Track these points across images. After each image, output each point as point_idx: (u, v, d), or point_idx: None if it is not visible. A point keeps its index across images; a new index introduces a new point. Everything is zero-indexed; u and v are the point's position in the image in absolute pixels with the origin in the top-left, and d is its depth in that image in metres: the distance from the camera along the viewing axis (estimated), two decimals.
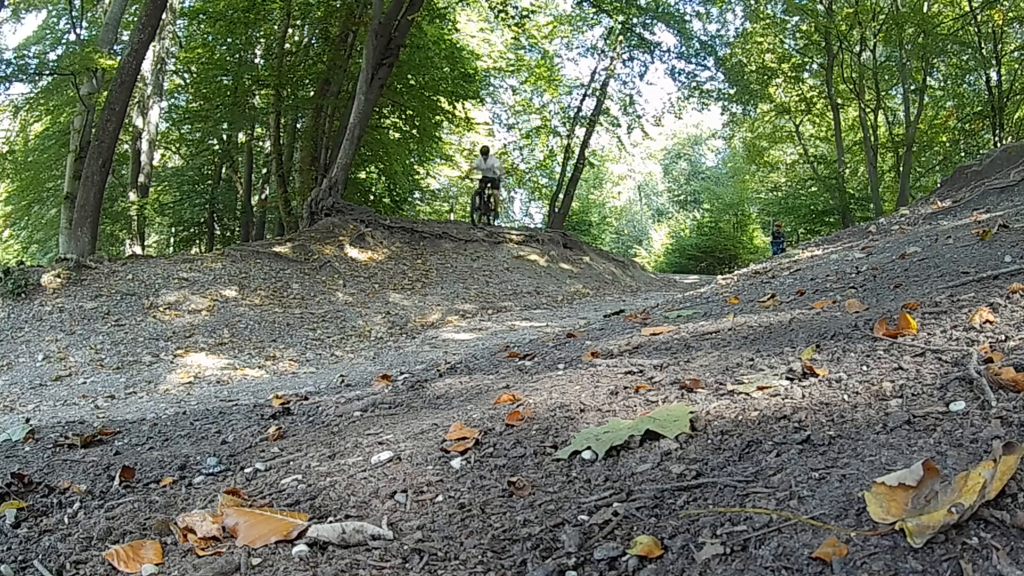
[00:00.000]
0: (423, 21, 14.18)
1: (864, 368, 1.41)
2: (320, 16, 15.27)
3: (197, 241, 20.47)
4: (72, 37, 13.86)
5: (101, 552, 1.05)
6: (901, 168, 19.51)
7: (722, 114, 24.84)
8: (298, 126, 16.93)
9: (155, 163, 18.05)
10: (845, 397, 1.25)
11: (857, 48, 18.87)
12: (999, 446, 0.82)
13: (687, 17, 18.68)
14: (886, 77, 19.74)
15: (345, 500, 1.16)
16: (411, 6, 12.32)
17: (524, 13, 15.03)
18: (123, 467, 1.57)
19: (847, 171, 21.80)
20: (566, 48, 20.49)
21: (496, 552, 0.93)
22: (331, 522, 1.05)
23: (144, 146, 16.38)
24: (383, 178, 19.41)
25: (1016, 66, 17.60)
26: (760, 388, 1.39)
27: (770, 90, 21.18)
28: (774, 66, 20.58)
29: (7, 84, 12.56)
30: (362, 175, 18.68)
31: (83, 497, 1.40)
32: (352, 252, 10.51)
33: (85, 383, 5.95)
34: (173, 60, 16.80)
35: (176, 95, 18.49)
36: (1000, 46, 17.16)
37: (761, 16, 19.59)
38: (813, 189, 23.76)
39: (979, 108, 18.72)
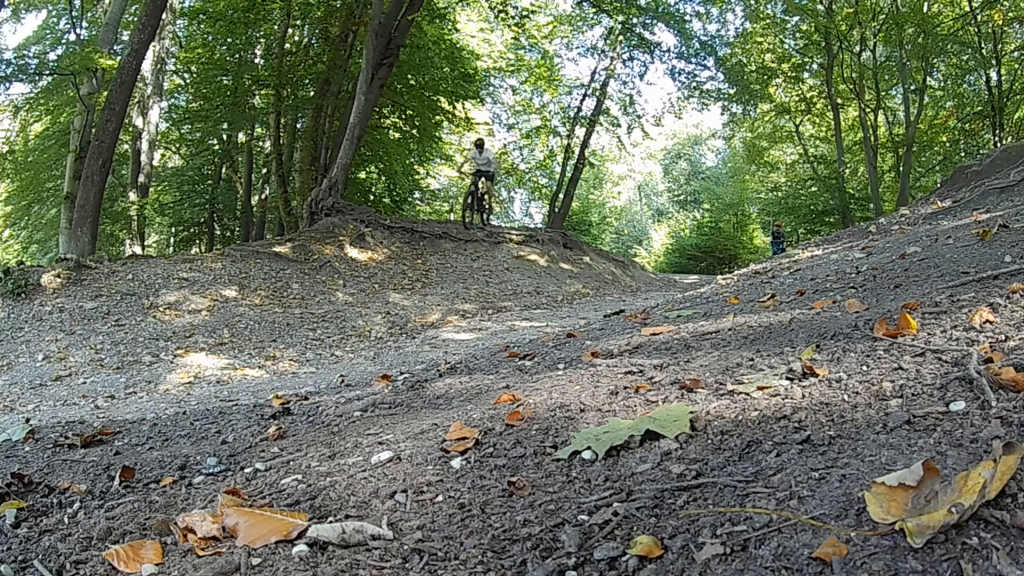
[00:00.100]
0: (423, 21, 14.18)
1: (864, 368, 1.41)
2: (320, 16, 15.27)
3: (197, 241, 20.47)
4: (72, 37, 13.86)
5: (101, 552, 1.05)
6: (901, 168, 19.52)
7: (722, 114, 24.86)
8: (298, 126, 16.93)
9: (155, 163, 18.05)
10: (845, 397, 1.25)
11: (857, 48, 18.87)
12: (999, 446, 0.82)
13: (687, 17, 18.69)
14: (886, 77, 19.74)
15: (345, 500, 1.16)
16: (411, 6, 12.32)
17: (524, 13, 15.02)
18: (123, 467, 1.57)
19: (847, 171, 21.81)
20: (566, 48, 20.51)
21: (496, 552, 0.93)
22: (331, 522, 1.05)
23: (144, 146, 16.38)
24: (383, 178, 19.41)
25: (1016, 66, 17.60)
26: (760, 388, 1.39)
27: (770, 90, 21.19)
28: (774, 66, 20.58)
29: (7, 84, 12.57)
30: (362, 175, 18.68)
31: (83, 497, 1.40)
32: (352, 252, 10.51)
33: (85, 383, 5.95)
34: (173, 60, 16.80)
35: (176, 95, 18.50)
36: (1000, 46, 17.16)
37: (761, 16, 19.59)
38: (813, 189, 23.76)
39: (979, 108, 18.72)
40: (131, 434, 2.23)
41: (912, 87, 18.88)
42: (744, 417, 1.24)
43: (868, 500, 0.80)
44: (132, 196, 16.24)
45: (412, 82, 16.23)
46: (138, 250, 16.20)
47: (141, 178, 16.37)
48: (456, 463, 1.28)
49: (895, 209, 13.02)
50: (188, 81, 17.34)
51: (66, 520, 1.24)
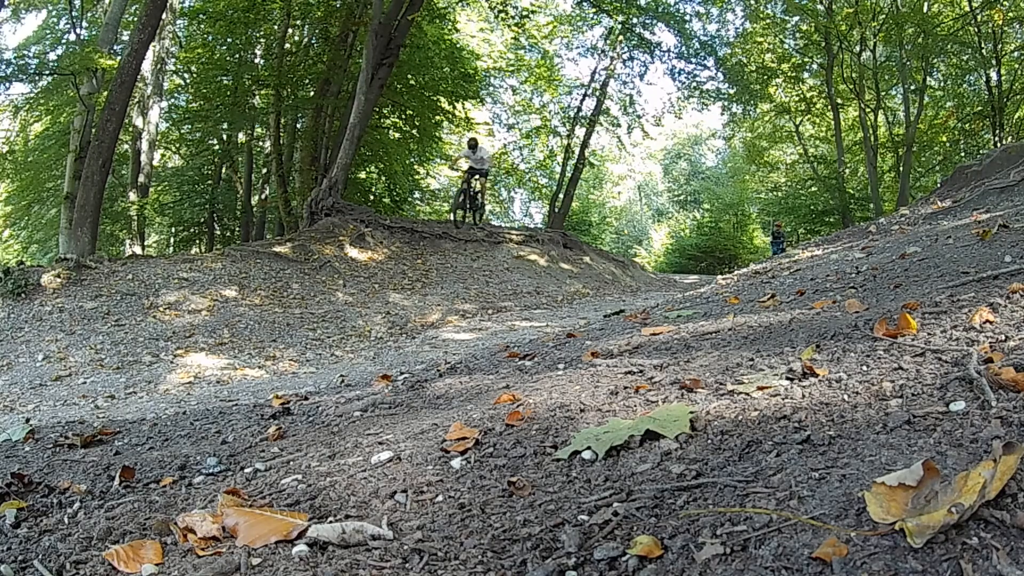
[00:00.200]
0: (423, 21, 14.18)
1: (864, 368, 1.41)
2: (320, 16, 15.27)
3: (197, 241, 20.47)
4: (72, 37, 13.86)
5: (101, 552, 1.05)
6: (901, 168, 19.52)
7: (722, 114, 24.85)
8: (298, 126, 16.93)
9: (155, 163, 18.05)
10: (845, 397, 1.25)
11: (857, 48, 18.87)
12: (999, 446, 0.82)
13: (687, 17, 18.68)
14: (886, 77, 19.74)
15: (345, 500, 1.16)
16: (411, 6, 12.32)
17: (524, 13, 15.02)
18: (123, 467, 1.57)
19: (847, 171, 21.81)
20: (566, 48, 20.49)
21: (496, 552, 0.93)
22: (331, 522, 1.05)
23: (144, 146, 16.38)
24: (383, 178, 19.41)
25: (1016, 66, 17.60)
26: (760, 388, 1.39)
27: (770, 90, 21.18)
28: (774, 66, 20.58)
29: (7, 84, 12.57)
30: (362, 175, 18.68)
31: (83, 497, 1.40)
32: (352, 252, 10.51)
33: (85, 383, 5.95)
34: (173, 60, 16.80)
35: (176, 95, 18.49)
36: (1000, 46, 17.15)
37: (761, 16, 19.59)
38: (813, 189, 23.76)
39: (979, 108, 18.72)
40: (131, 434, 2.23)
41: (912, 87, 18.88)
42: (744, 417, 1.24)
43: (868, 500, 0.80)
44: (132, 196, 16.24)
45: (412, 82, 16.23)
46: (138, 250, 16.20)
47: (141, 178, 16.38)
48: (456, 463, 1.28)
49: (895, 209, 13.02)
50: (188, 81, 17.34)
51: (66, 520, 1.24)
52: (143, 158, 16.45)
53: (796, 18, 19.60)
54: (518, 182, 23.56)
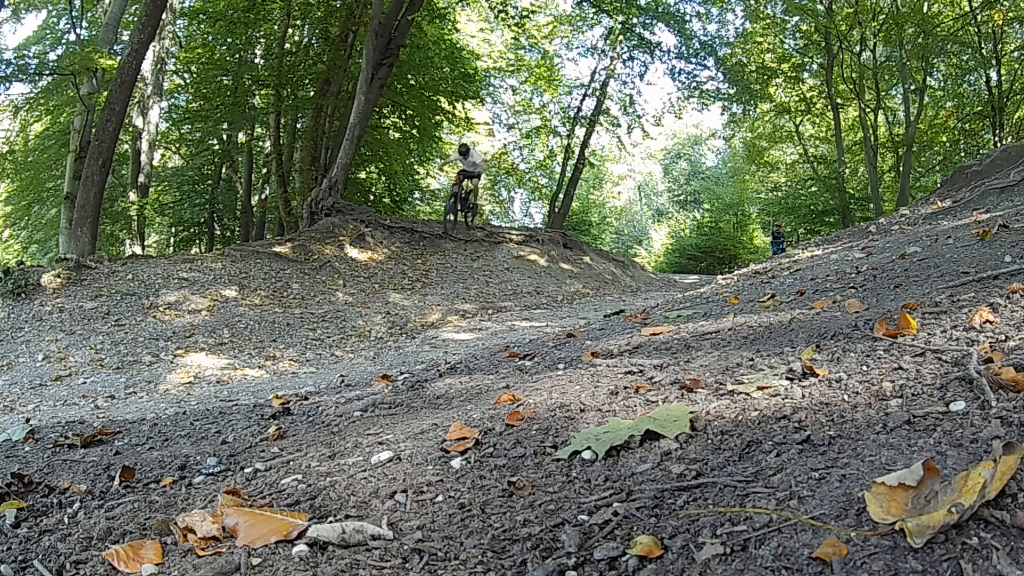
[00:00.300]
0: (423, 21, 14.18)
1: (864, 368, 1.41)
2: (320, 16, 15.27)
3: (197, 241, 20.47)
4: (72, 37, 13.86)
5: (101, 552, 1.05)
6: (901, 168, 19.52)
7: (722, 114, 24.85)
8: (298, 126, 16.92)
9: (155, 163, 18.04)
10: (845, 397, 1.25)
11: (857, 48, 18.87)
12: (999, 446, 0.82)
13: (687, 17, 18.67)
14: (886, 77, 19.74)
15: (345, 500, 1.16)
16: (411, 6, 12.32)
17: (524, 13, 15.03)
18: (123, 467, 1.57)
19: (847, 171, 21.81)
20: (566, 48, 20.49)
21: (496, 552, 0.93)
22: (331, 522, 1.05)
23: (144, 146, 16.38)
24: (383, 178, 19.41)
25: (1016, 66, 17.60)
26: (760, 388, 1.39)
27: (770, 90, 21.18)
28: (774, 66, 20.58)
29: (7, 84, 12.57)
30: (362, 175, 18.67)
31: (83, 497, 1.40)
32: (352, 252, 10.51)
33: (85, 383, 5.95)
34: (173, 60, 16.80)
35: (176, 95, 18.49)
36: (1000, 46, 17.15)
37: (761, 16, 19.58)
38: (813, 189, 23.77)
39: (979, 108, 18.72)
40: (131, 434, 2.23)
41: (912, 87, 18.88)
42: (744, 417, 1.24)
43: (868, 500, 0.80)
44: (132, 196, 16.24)
45: (412, 82, 16.23)
46: (138, 250, 16.20)
47: (141, 178, 16.38)
48: (456, 463, 1.28)
49: (895, 209, 13.02)
50: (188, 81, 17.34)
51: (66, 520, 1.24)
52: (143, 158, 16.45)
53: (796, 18, 19.61)
54: (518, 182, 23.55)
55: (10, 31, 43.56)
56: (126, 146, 16.53)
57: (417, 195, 22.14)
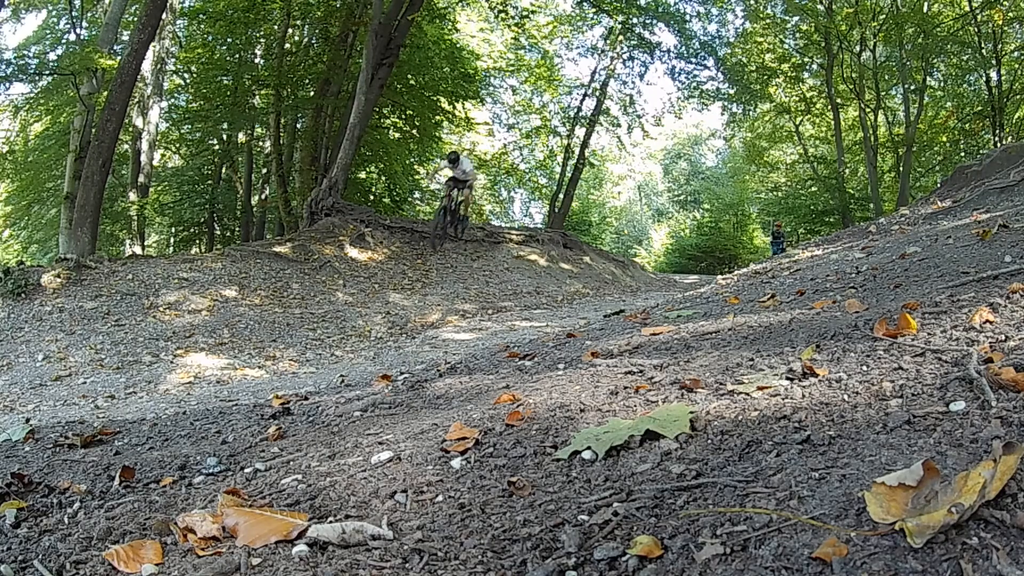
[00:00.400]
0: (423, 21, 14.18)
1: (864, 368, 1.41)
2: (320, 16, 15.27)
3: (197, 241, 20.47)
4: (72, 37, 13.86)
5: (101, 552, 1.05)
6: (901, 168, 19.52)
7: (722, 114, 24.87)
8: (298, 126, 16.92)
9: (155, 163, 18.05)
10: (845, 397, 1.25)
11: (857, 48, 18.87)
12: (999, 446, 0.82)
13: (687, 17, 18.66)
14: (886, 77, 19.74)
15: (345, 500, 1.16)
16: (411, 6, 12.32)
17: (524, 13, 15.03)
18: (123, 467, 1.57)
19: (847, 171, 21.81)
20: (566, 48, 20.48)
21: (496, 552, 0.93)
22: (331, 522, 1.05)
23: (144, 146, 16.39)
24: (383, 178, 19.40)
25: (1016, 66, 17.60)
26: (760, 388, 1.39)
27: (770, 90, 21.18)
28: (774, 66, 20.58)
29: (7, 84, 12.57)
30: (362, 175, 18.67)
31: (83, 497, 1.40)
32: (352, 252, 10.51)
33: (85, 383, 5.95)
34: (173, 60, 16.80)
35: (176, 95, 18.49)
36: (1000, 46, 17.16)
37: (761, 16, 19.58)
38: (813, 189, 23.77)
39: (979, 108, 18.72)
40: (131, 434, 2.23)
41: (912, 87, 18.88)
42: (744, 417, 1.24)
43: (868, 500, 0.80)
44: (132, 196, 16.25)
45: (412, 82, 16.23)
46: (138, 250, 16.20)
47: (141, 178, 16.38)
48: (456, 463, 1.28)
49: (895, 209, 13.03)
50: (188, 81, 17.34)
51: (66, 520, 1.24)
52: (143, 158, 16.45)
53: (796, 18, 19.61)
54: (518, 182, 23.55)
55: (10, 31, 43.55)
56: (126, 146, 16.53)
57: (417, 195, 22.15)
